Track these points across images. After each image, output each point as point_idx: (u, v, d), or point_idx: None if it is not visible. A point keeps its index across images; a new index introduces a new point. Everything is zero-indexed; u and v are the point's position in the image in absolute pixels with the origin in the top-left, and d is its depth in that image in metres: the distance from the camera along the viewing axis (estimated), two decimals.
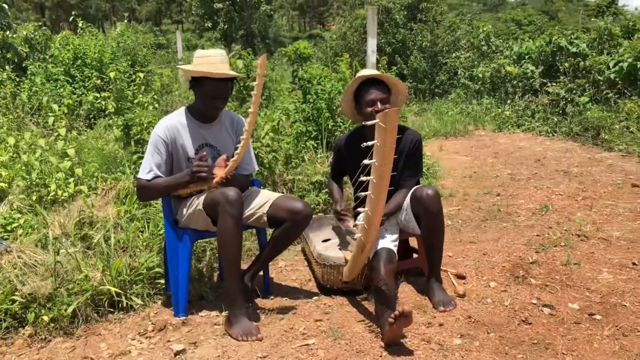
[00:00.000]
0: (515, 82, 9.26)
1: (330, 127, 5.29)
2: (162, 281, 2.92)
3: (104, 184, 3.95)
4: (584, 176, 5.08)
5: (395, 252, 2.61)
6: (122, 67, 7.38)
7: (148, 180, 2.56)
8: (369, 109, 2.65)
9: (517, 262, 3.07)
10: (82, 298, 2.62)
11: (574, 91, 7.96)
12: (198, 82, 2.57)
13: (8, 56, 7.67)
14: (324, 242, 2.93)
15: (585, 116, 7.17)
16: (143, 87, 5.14)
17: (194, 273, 3.05)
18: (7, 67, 7.04)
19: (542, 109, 8.29)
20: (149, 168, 2.56)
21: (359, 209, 2.19)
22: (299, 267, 3.28)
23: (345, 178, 3.31)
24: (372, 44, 6.75)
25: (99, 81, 5.31)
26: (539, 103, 8.45)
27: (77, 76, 7.55)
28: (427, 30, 12.44)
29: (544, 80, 8.68)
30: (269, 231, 2.90)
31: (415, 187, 2.70)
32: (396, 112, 1.88)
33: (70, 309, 2.53)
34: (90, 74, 7.01)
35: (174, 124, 2.62)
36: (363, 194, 2.11)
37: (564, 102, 7.97)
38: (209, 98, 2.56)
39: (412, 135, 2.76)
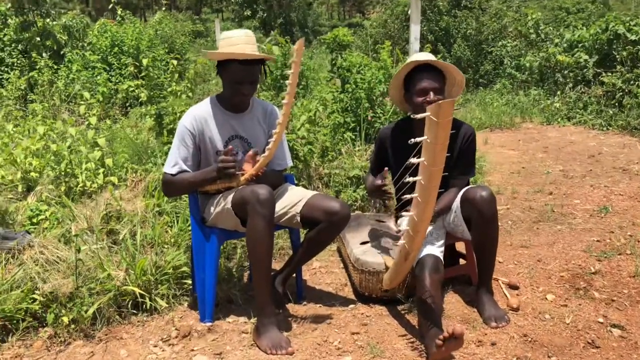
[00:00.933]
0: (565, 72, 8.73)
1: (369, 118, 5.02)
2: (189, 281, 2.75)
3: (134, 175, 3.82)
4: None
5: (442, 259, 2.35)
6: (157, 55, 7.30)
7: (173, 175, 2.37)
8: (420, 99, 2.38)
9: (577, 272, 2.76)
10: (104, 298, 2.46)
11: (632, 82, 7.42)
12: (223, 67, 2.36)
13: (47, 43, 7.67)
14: (362, 245, 2.69)
15: None
16: (177, 75, 4.98)
17: (223, 273, 2.87)
18: (44, 55, 7.03)
19: (595, 100, 7.77)
20: (175, 162, 2.38)
21: (403, 213, 1.94)
22: (335, 269, 3.06)
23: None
24: (415, 31, 6.44)
25: (132, 68, 5.20)
26: (592, 94, 7.92)
27: (114, 64, 7.51)
28: (472, 18, 11.92)
29: (598, 70, 8.13)
30: (303, 231, 2.70)
31: (468, 187, 2.43)
32: (451, 104, 1.62)
33: (90, 311, 2.38)
34: (127, 62, 6.94)
35: (201, 114, 2.42)
36: (408, 196, 1.86)
37: (620, 93, 7.44)
38: (234, 83, 2.35)
39: (465, 129, 2.49)
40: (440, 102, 1.60)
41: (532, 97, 8.89)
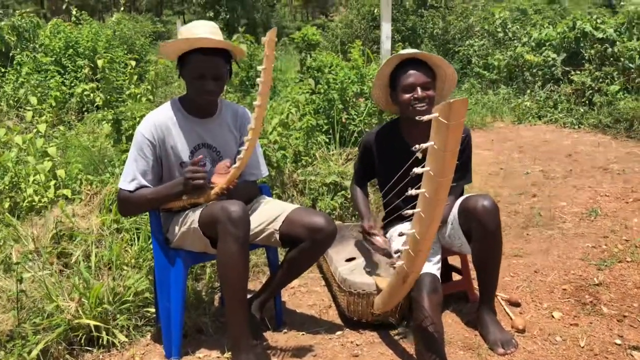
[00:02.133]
0: (534, 70, 8.68)
1: (343, 120, 4.76)
2: (153, 309, 2.42)
3: (89, 187, 3.45)
4: (628, 174, 4.54)
5: (439, 277, 2.09)
6: (115, 56, 6.88)
7: (131, 192, 2.04)
8: (407, 96, 2.13)
9: (580, 284, 2.55)
10: (52, 335, 2.12)
11: (601, 80, 7.40)
12: (183, 63, 2.05)
13: None
14: (347, 262, 2.41)
15: (617, 106, 6.62)
16: (136, 77, 4.61)
17: (190, 297, 2.55)
18: None
19: (565, 99, 7.73)
20: (132, 176, 2.05)
21: (402, 230, 1.67)
22: (316, 288, 2.78)
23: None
24: (386, 29, 6.23)
25: (86, 70, 4.80)
26: (561, 93, 7.88)
27: (68, 66, 7.05)
28: (438, 17, 11.84)
29: (567, 69, 8.10)
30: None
31: (466, 196, 2.18)
32: (463, 104, 1.36)
33: (35, 352, 2.03)
34: (82, 64, 6.49)
35: (162, 120, 2.10)
36: (410, 211, 1.59)
37: (590, 91, 7.41)
38: (194, 79, 2.04)
39: None
40: (451, 101, 1.34)
41: (502, 96, 8.81)
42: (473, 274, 2.47)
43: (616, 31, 7.78)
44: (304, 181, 3.86)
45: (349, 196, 3.68)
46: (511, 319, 2.24)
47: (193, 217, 2.01)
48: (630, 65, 7.14)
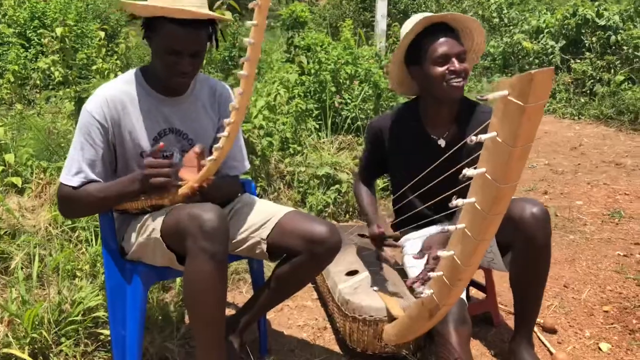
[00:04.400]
0: (531, 58, 8.32)
1: (336, 104, 4.31)
2: (107, 332, 1.96)
3: (42, 176, 2.95)
4: None
5: (466, 301, 1.67)
6: (87, 29, 6.32)
7: (75, 188, 1.56)
8: (440, 69, 1.67)
9: (623, 305, 2.15)
10: None
11: (603, 69, 7.05)
12: (152, 28, 1.56)
13: None
14: (349, 277, 1.97)
15: (621, 97, 6.28)
16: (104, 50, 4.09)
17: (154, 315, 2.09)
18: None
19: (564, 88, 7.38)
20: (77, 168, 1.56)
21: (439, 253, 1.23)
22: (307, 302, 2.34)
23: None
24: (382, 7, 5.79)
25: (46, 40, 4.25)
26: (560, 82, 7.53)
27: (33, 39, 6.47)
28: (431, 0, 11.38)
29: (566, 57, 7.74)
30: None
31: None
32: (549, 76, 0.92)
33: None
34: (44, 35, 5.93)
35: (117, 96, 1.62)
36: (451, 227, 1.15)
37: (591, 81, 7.07)
38: (167, 54, 1.54)
39: (488, 115, 1.81)
40: (532, 72, 0.90)
41: (496, 84, 8.44)
42: (496, 290, 2.07)
43: (620, 18, 7.42)
44: (292, 172, 3.41)
45: (343, 190, 3.25)
46: (551, 353, 1.83)
47: (154, 225, 1.53)
48: (636, 54, 6.79)
